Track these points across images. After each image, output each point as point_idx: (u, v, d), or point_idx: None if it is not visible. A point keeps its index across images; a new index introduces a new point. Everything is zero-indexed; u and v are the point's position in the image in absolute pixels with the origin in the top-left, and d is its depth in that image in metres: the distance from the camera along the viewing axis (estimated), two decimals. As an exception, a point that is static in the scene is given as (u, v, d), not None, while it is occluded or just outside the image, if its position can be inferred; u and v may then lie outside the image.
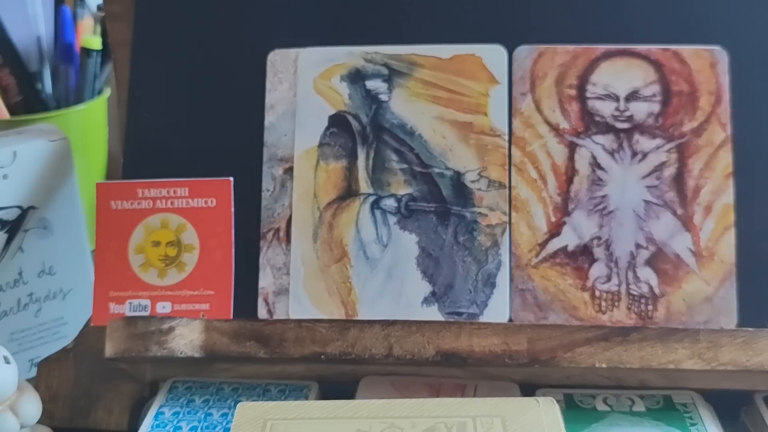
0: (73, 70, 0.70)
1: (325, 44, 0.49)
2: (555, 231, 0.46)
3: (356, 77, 0.49)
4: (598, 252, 0.46)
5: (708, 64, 0.47)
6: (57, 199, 0.53)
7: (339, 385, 0.46)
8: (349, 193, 0.48)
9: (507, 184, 0.47)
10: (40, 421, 0.43)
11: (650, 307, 0.45)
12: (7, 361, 0.41)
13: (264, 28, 0.50)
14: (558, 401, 0.39)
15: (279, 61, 0.49)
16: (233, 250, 0.47)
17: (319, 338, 0.44)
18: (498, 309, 0.46)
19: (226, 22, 0.50)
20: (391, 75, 0.49)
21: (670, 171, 0.46)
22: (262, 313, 0.47)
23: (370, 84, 0.49)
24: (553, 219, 0.46)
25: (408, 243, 0.47)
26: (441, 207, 0.47)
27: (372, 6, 0.49)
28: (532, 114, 0.47)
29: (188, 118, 0.50)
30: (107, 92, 0.69)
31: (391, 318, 0.45)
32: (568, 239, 0.46)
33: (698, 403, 0.44)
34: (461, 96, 0.48)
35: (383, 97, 0.48)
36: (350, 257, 0.47)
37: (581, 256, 0.46)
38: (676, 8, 0.48)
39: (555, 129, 0.47)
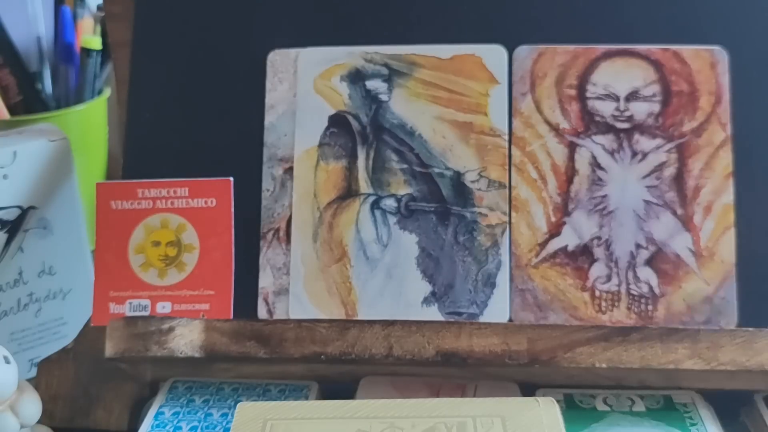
0: (73, 70, 0.70)
1: (325, 44, 0.49)
2: (555, 231, 0.46)
3: (356, 77, 0.49)
4: (598, 252, 0.46)
5: (708, 64, 0.47)
6: (57, 199, 0.53)
7: (339, 385, 0.46)
8: (349, 193, 0.48)
9: (507, 184, 0.47)
10: (40, 421, 0.43)
11: (650, 307, 0.45)
12: (7, 361, 0.41)
13: (264, 28, 0.50)
14: (558, 401, 0.39)
15: (279, 61, 0.49)
16: (233, 250, 0.47)
17: (319, 338, 0.44)
18: (498, 309, 0.46)
19: (226, 22, 0.50)
20: (391, 75, 0.49)
21: (670, 171, 0.46)
22: (262, 313, 0.47)
23: (370, 84, 0.49)
24: (553, 219, 0.46)
25: (408, 243, 0.47)
26: (441, 207, 0.47)
27: (372, 6, 0.49)
28: (532, 114, 0.47)
29: (188, 118, 0.50)
30: (107, 92, 0.69)
31: (391, 318, 0.45)
32: (568, 239, 0.46)
33: (698, 403, 0.44)
34: (461, 96, 0.48)
35: (383, 97, 0.48)
36: (350, 257, 0.47)
37: (581, 256, 0.46)
38: (676, 8, 0.48)
39: (555, 129, 0.47)
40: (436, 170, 0.48)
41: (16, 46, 0.67)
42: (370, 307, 0.46)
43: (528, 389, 0.45)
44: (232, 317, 0.47)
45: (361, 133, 0.48)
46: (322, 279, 0.47)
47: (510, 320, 0.46)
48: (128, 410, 0.47)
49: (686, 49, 0.47)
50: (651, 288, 0.45)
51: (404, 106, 0.48)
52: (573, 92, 0.47)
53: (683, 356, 0.42)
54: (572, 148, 0.47)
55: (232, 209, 0.48)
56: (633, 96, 0.47)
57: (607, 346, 0.43)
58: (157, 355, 0.45)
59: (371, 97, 0.49)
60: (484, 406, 0.38)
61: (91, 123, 0.68)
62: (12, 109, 0.67)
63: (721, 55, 0.47)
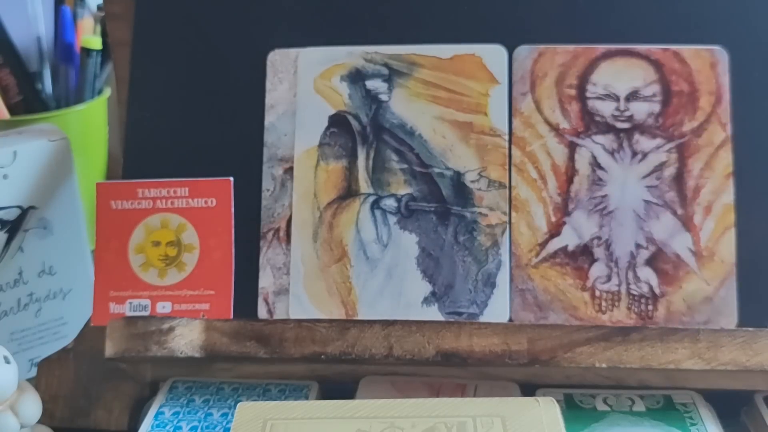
0: (73, 70, 0.70)
1: (325, 44, 0.49)
2: (555, 231, 0.46)
3: (356, 77, 0.49)
4: (598, 252, 0.46)
5: (708, 64, 0.47)
6: (57, 199, 0.53)
7: (339, 385, 0.46)
8: (349, 193, 0.48)
9: (507, 184, 0.47)
10: (40, 421, 0.43)
11: (650, 307, 0.45)
12: (7, 361, 0.41)
13: (264, 28, 0.50)
14: (558, 401, 0.39)
15: (279, 61, 0.49)
16: (233, 250, 0.47)
17: (319, 338, 0.44)
18: (498, 309, 0.46)
19: (226, 22, 0.50)
20: (391, 75, 0.49)
21: (670, 171, 0.46)
22: (262, 313, 0.47)
23: (370, 84, 0.49)
24: (553, 219, 0.46)
25: (408, 243, 0.47)
26: (441, 207, 0.47)
27: (372, 6, 0.49)
28: (532, 114, 0.47)
29: (188, 118, 0.50)
30: (107, 92, 0.69)
31: (391, 318, 0.45)
32: (568, 239, 0.46)
33: (698, 403, 0.44)
34: (461, 96, 0.48)
35: (383, 97, 0.48)
36: (350, 257, 0.47)
37: (581, 256, 0.46)
38: (676, 8, 0.48)
39: (555, 129, 0.47)
40: (436, 170, 0.48)
41: (16, 46, 0.67)
42: (370, 307, 0.46)
43: (528, 389, 0.45)
44: (232, 317, 0.47)
45: (361, 133, 0.48)
46: (322, 279, 0.47)
47: (510, 320, 0.46)
48: (128, 410, 0.47)
49: (686, 49, 0.47)
50: (651, 288, 0.45)
51: (404, 106, 0.48)
52: (573, 92, 0.47)
53: (683, 356, 0.42)
54: (572, 148, 0.47)
55: (232, 209, 0.48)
56: (633, 96, 0.47)
57: (607, 346, 0.43)
58: (157, 355, 0.45)
59: (371, 97, 0.49)
60: (484, 406, 0.38)
61: (91, 123, 0.68)
62: (12, 109, 0.67)
63: (721, 55, 0.47)
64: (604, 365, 0.43)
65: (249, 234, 0.48)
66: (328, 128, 0.49)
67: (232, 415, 0.41)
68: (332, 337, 0.44)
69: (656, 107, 0.47)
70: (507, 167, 0.47)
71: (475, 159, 0.47)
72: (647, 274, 0.46)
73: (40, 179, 0.51)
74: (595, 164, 0.47)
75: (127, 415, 0.47)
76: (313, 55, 0.49)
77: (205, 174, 0.48)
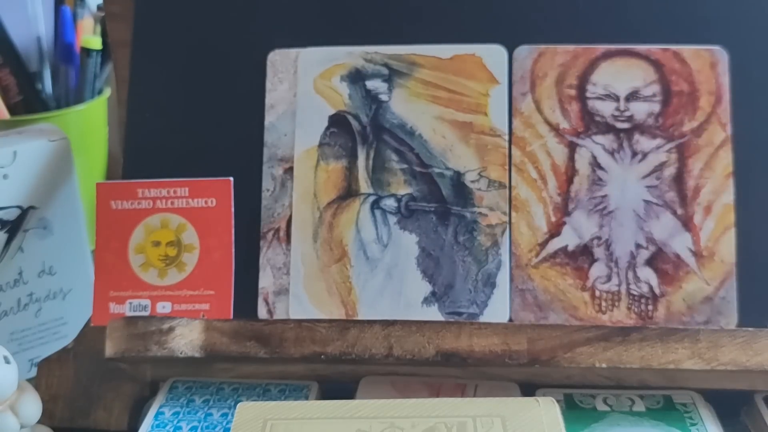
0: (73, 70, 0.70)
1: (325, 44, 0.49)
2: (555, 231, 0.46)
3: (356, 77, 0.49)
4: (598, 252, 0.46)
5: (708, 64, 0.47)
6: (57, 199, 0.53)
7: (339, 385, 0.46)
8: (349, 193, 0.48)
9: (507, 184, 0.47)
10: (40, 421, 0.43)
11: (650, 307, 0.45)
12: (7, 361, 0.41)
13: (264, 28, 0.50)
14: (558, 401, 0.39)
15: (279, 61, 0.49)
16: (233, 250, 0.47)
17: (319, 338, 0.44)
18: (498, 309, 0.46)
19: (226, 22, 0.50)
20: (391, 75, 0.49)
21: (670, 171, 0.46)
22: (262, 313, 0.47)
23: (370, 84, 0.49)
24: (553, 219, 0.46)
25: (408, 243, 0.47)
26: (441, 207, 0.47)
27: (372, 6, 0.49)
28: (532, 114, 0.47)
29: (188, 118, 0.50)
30: (107, 92, 0.69)
31: (391, 318, 0.45)
32: (568, 239, 0.46)
33: (698, 403, 0.44)
34: (461, 96, 0.48)
35: (383, 97, 0.48)
36: (350, 257, 0.47)
37: (581, 256, 0.46)
38: (676, 8, 0.48)
39: (555, 129, 0.47)
40: (436, 170, 0.48)
41: (16, 46, 0.67)
42: (370, 307, 0.46)
43: (528, 389, 0.45)
44: (232, 317, 0.47)
45: (361, 133, 0.48)
46: (322, 279, 0.47)
47: (510, 320, 0.46)
48: (128, 410, 0.47)
49: (686, 49, 0.47)
50: (651, 288, 0.45)
51: (404, 106, 0.48)
52: (573, 92, 0.47)
53: (683, 356, 0.42)
54: (572, 148, 0.47)
55: (232, 209, 0.48)
56: (633, 96, 0.47)
57: (607, 346, 0.43)
58: (157, 355, 0.45)
59: (371, 97, 0.49)
60: (484, 406, 0.38)
61: (91, 123, 0.68)
62: (12, 109, 0.67)
63: (721, 55, 0.47)
64: (604, 365, 0.43)
65: (249, 234, 0.48)
66: (328, 128, 0.49)
67: (232, 415, 0.41)
68: (332, 337, 0.44)
69: (656, 107, 0.47)
70: (507, 167, 0.47)
71: (475, 159, 0.47)
72: (647, 274, 0.46)
73: (40, 179, 0.51)
74: (595, 164, 0.47)
75: (127, 415, 0.47)
76: (313, 55, 0.49)
77: (205, 174, 0.48)
